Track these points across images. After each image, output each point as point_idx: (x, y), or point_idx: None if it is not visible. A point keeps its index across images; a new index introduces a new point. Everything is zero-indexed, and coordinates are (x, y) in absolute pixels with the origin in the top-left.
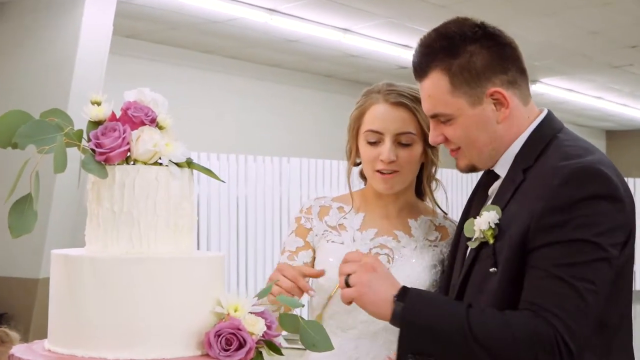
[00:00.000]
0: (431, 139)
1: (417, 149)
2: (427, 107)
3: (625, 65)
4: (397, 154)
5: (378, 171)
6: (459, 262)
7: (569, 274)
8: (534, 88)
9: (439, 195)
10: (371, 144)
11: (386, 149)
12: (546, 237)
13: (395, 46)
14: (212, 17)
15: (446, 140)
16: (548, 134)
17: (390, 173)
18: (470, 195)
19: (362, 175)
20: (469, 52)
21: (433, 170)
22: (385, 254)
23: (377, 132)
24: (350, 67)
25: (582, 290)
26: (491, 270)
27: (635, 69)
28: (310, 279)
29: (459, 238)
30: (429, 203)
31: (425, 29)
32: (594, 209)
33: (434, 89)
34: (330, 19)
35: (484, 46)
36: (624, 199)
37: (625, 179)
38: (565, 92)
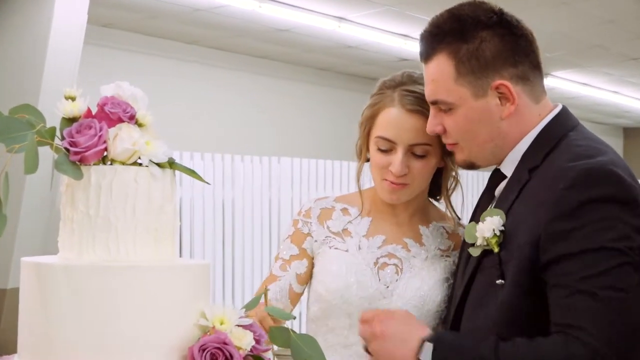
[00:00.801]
0: (428, 128)
1: (432, 160)
2: (429, 92)
3: None
4: (409, 165)
5: (386, 179)
6: (461, 269)
7: (594, 285)
8: (545, 82)
9: (454, 197)
10: (382, 151)
11: (397, 160)
12: (559, 249)
13: (395, 36)
14: (195, 5)
15: (444, 132)
16: (558, 132)
17: (399, 184)
18: (480, 197)
19: None
20: (479, 38)
21: (452, 178)
22: (394, 264)
23: (389, 140)
24: (346, 59)
25: (612, 300)
26: (497, 282)
27: None
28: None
29: (464, 244)
30: (440, 206)
31: (428, 17)
32: (603, 213)
33: (438, 74)
34: (324, 7)
35: (497, 34)
36: (637, 200)
37: None
38: (578, 86)
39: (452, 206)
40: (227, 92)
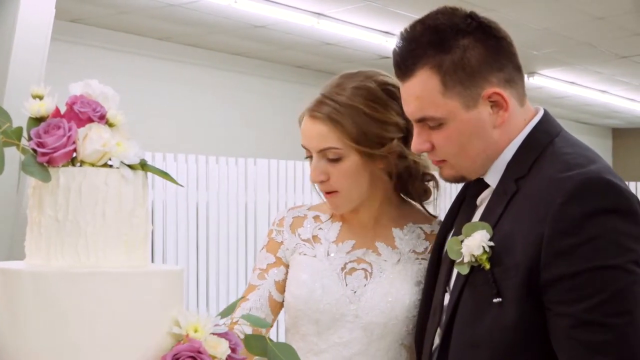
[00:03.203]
0: (414, 147)
1: (349, 162)
2: (412, 110)
3: (634, 56)
4: (327, 171)
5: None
6: (442, 281)
7: (601, 313)
8: (532, 81)
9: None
10: (310, 159)
11: (312, 167)
12: (562, 267)
13: (376, 33)
14: (168, 0)
15: (432, 149)
16: (543, 139)
17: (330, 192)
18: (455, 201)
19: None
20: (461, 47)
21: (413, 170)
22: (363, 268)
23: (305, 147)
24: (325, 56)
25: (623, 327)
26: (495, 300)
27: None
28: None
29: (441, 247)
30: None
31: (410, 14)
32: (606, 227)
33: (423, 90)
34: (302, 3)
35: (478, 39)
36: (637, 209)
37: (634, 182)
38: (566, 85)
39: (423, 207)
40: (202, 90)
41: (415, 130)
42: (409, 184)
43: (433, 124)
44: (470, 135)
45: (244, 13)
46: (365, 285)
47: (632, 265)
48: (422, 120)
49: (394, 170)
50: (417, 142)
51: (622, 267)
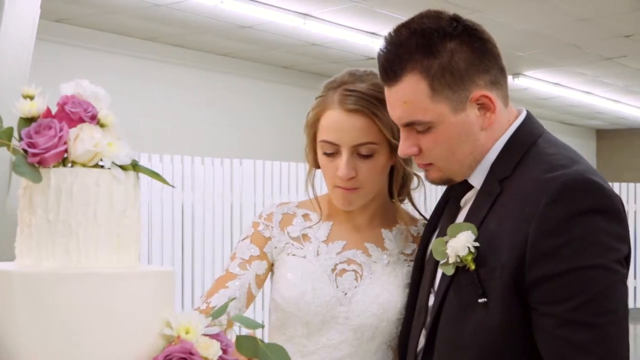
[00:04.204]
0: (402, 151)
1: (381, 158)
2: (400, 114)
3: (618, 57)
4: (356, 167)
5: (337, 186)
6: (427, 282)
7: (585, 312)
8: (517, 82)
9: (417, 195)
10: (328, 155)
11: (343, 163)
12: (547, 267)
13: (362, 34)
14: (154, 0)
15: (419, 153)
16: (527, 140)
17: (350, 189)
18: (439, 203)
19: None
20: (449, 51)
21: (405, 172)
22: (353, 270)
23: (332, 143)
24: (311, 57)
25: (607, 327)
26: (480, 301)
27: (629, 61)
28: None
29: (425, 248)
30: (407, 207)
31: (397, 15)
32: (591, 226)
33: (411, 95)
34: (289, 3)
35: (464, 42)
36: (620, 209)
37: (617, 183)
38: (551, 86)
39: (415, 206)
40: (188, 91)
41: (402, 134)
42: (403, 185)
43: (421, 128)
44: (458, 138)
45: (230, 13)
46: (355, 287)
47: (616, 265)
48: (409, 125)
49: (400, 170)
50: (405, 146)
51: (606, 266)
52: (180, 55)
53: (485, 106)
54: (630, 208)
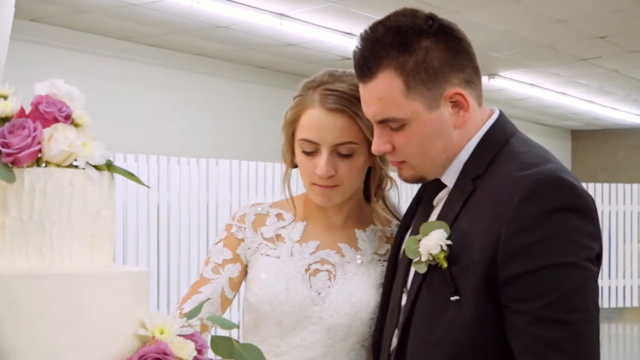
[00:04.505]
0: (375, 148)
1: (360, 158)
2: (374, 111)
3: (593, 58)
4: (336, 166)
5: (315, 183)
6: (400, 281)
7: (557, 310)
8: (492, 82)
9: (391, 196)
10: (307, 154)
11: (322, 162)
12: (519, 265)
13: (339, 34)
14: None
15: (392, 150)
16: (500, 139)
17: (328, 187)
18: (412, 202)
19: None
20: (424, 48)
21: (382, 173)
22: (327, 270)
23: (312, 142)
24: (287, 57)
25: (578, 324)
26: (452, 298)
27: (604, 62)
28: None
29: (399, 248)
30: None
31: (373, 15)
32: (563, 224)
33: (386, 91)
34: (265, 3)
35: (440, 41)
36: (592, 208)
37: (592, 184)
38: (526, 86)
39: (388, 207)
40: (163, 90)
41: (376, 131)
42: (379, 186)
43: (395, 125)
44: (432, 135)
45: (206, 13)
46: (329, 287)
47: (587, 263)
48: (383, 122)
49: (377, 170)
50: (378, 143)
51: (578, 264)
52: (156, 55)
53: (458, 104)
54: (604, 209)
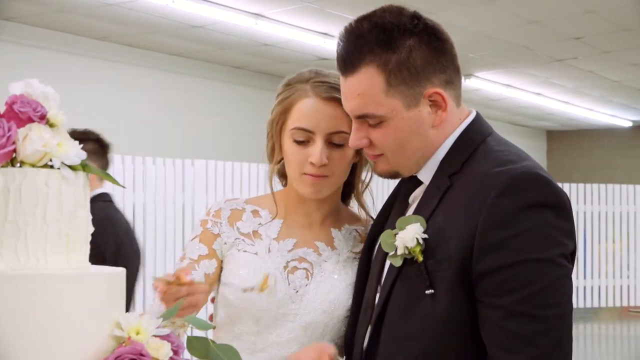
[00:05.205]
0: (352, 143)
1: (350, 150)
2: (353, 106)
3: (569, 59)
4: (328, 155)
5: (305, 173)
6: (374, 279)
7: (531, 305)
8: (468, 83)
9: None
10: (299, 143)
11: (317, 150)
12: (494, 260)
13: (315, 34)
14: None
15: (369, 145)
16: (476, 138)
17: (320, 176)
18: (388, 200)
19: (282, 175)
20: (408, 47)
21: (366, 171)
22: (304, 268)
23: (307, 130)
24: (263, 57)
25: (552, 319)
26: (427, 292)
27: (580, 63)
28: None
29: (372, 246)
30: (354, 208)
31: (349, 15)
32: (539, 220)
33: (367, 87)
34: (241, 3)
35: (423, 40)
36: (567, 205)
37: (567, 184)
38: (502, 87)
39: (364, 206)
40: (138, 90)
41: (354, 125)
42: (356, 185)
43: (373, 121)
44: (409, 133)
45: (181, 13)
46: (307, 285)
47: (562, 260)
48: (361, 117)
49: (362, 167)
50: (355, 138)
51: (553, 260)
52: (131, 55)
53: (437, 104)
54: (580, 209)
